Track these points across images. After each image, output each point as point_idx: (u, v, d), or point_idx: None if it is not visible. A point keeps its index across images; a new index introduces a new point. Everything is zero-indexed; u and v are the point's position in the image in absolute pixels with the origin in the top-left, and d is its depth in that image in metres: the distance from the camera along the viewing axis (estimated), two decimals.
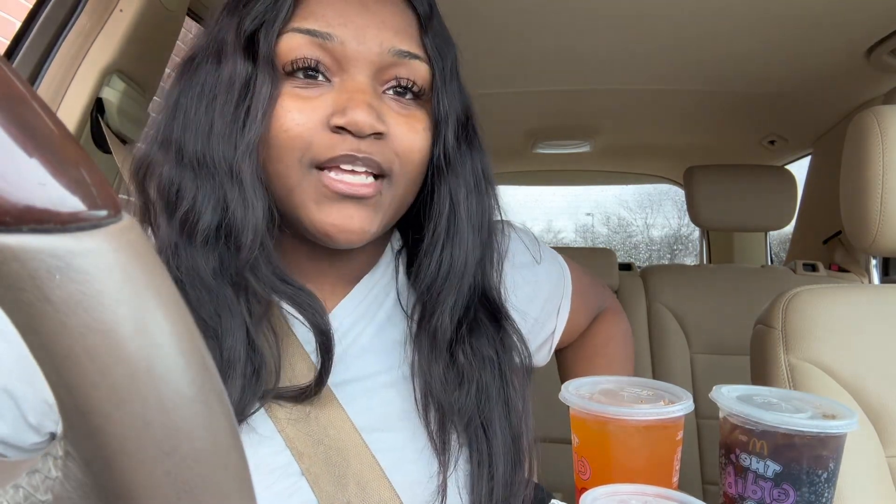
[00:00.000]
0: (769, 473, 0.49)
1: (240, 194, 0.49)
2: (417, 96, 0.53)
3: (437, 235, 0.55)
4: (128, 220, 0.19)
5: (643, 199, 6.24)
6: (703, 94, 1.55)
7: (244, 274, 0.49)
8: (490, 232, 0.59)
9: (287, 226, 0.54)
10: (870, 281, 1.67)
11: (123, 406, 0.18)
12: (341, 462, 0.51)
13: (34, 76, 0.82)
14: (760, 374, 0.84)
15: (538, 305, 0.67)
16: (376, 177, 0.51)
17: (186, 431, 0.19)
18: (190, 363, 0.20)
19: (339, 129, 0.48)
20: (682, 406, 0.51)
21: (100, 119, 0.88)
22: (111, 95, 0.87)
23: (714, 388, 0.55)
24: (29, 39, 0.82)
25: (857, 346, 0.79)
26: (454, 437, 0.55)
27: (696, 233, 2.78)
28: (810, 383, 0.78)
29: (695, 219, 1.87)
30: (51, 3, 0.83)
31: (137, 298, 0.19)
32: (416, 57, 0.52)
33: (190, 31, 1.20)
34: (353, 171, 0.49)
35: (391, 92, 0.52)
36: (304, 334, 0.54)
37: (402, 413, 0.55)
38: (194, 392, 0.20)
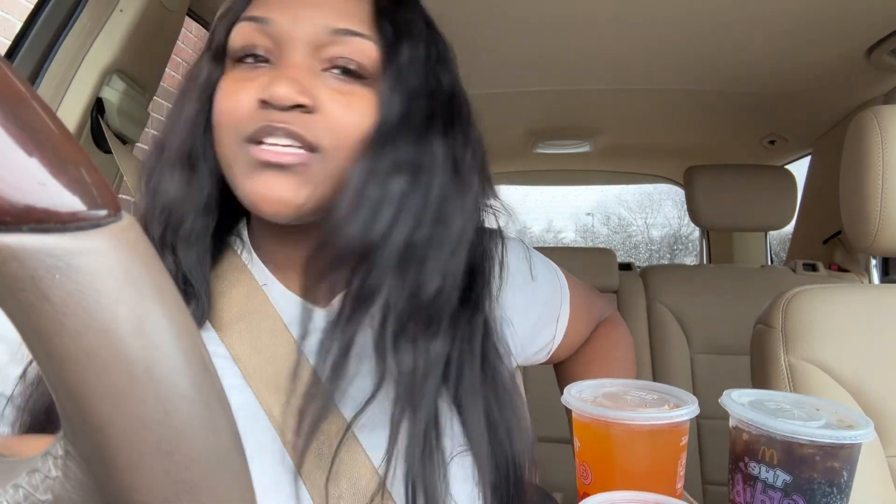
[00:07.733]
0: (778, 483, 0.47)
1: (192, 179, 0.53)
2: (360, 76, 0.52)
3: (336, 212, 0.50)
4: (128, 220, 0.19)
5: (643, 199, 6.25)
6: (703, 94, 1.55)
7: (176, 252, 0.53)
8: (445, 221, 0.52)
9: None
10: (870, 281, 1.66)
11: (122, 406, 0.18)
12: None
13: (34, 76, 0.82)
14: (760, 374, 0.84)
15: (536, 311, 0.67)
16: (309, 151, 0.50)
17: (186, 431, 0.19)
18: (190, 363, 0.20)
19: (264, 104, 0.50)
20: (687, 410, 0.49)
21: (100, 119, 0.88)
22: (111, 95, 0.88)
23: (724, 393, 0.52)
24: (29, 39, 0.82)
25: (857, 346, 0.79)
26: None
27: (696, 233, 2.78)
28: (810, 383, 0.78)
29: (695, 219, 1.87)
30: (51, 3, 0.83)
31: (137, 298, 0.19)
32: (356, 34, 0.51)
33: (190, 31, 1.20)
34: (276, 145, 0.50)
35: (336, 71, 0.52)
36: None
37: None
38: (194, 392, 0.20)
